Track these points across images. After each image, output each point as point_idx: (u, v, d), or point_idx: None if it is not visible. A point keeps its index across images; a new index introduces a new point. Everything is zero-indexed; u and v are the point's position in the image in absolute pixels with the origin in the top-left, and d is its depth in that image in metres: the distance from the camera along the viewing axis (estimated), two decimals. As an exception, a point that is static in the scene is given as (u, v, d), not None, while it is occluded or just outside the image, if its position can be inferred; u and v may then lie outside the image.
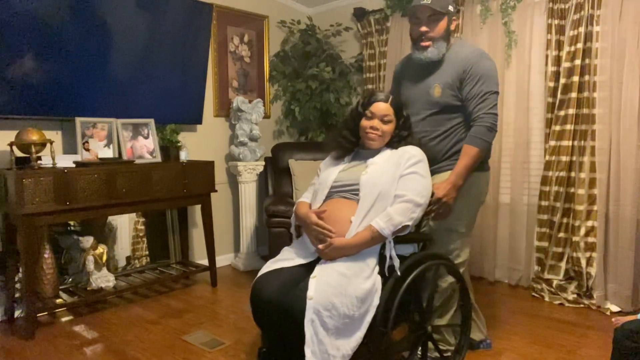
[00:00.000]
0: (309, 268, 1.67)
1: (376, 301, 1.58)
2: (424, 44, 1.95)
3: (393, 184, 1.70)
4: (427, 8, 1.91)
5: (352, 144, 1.89)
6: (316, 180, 1.92)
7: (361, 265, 1.61)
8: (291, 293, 1.56)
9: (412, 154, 1.77)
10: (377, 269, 1.64)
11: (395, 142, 1.83)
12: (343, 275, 1.56)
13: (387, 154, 1.80)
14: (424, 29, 1.93)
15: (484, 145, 1.95)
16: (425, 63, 2.00)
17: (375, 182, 1.69)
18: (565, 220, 3.02)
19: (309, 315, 1.46)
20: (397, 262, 1.63)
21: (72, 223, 3.01)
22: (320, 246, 1.67)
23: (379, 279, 1.62)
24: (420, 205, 1.70)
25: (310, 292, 1.50)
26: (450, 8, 1.96)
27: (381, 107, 1.80)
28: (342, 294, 1.51)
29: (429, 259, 1.79)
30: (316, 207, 1.79)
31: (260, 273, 1.72)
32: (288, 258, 1.75)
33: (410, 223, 1.67)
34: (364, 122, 1.82)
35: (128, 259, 3.39)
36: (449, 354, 2.02)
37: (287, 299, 1.55)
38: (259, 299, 1.63)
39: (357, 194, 1.70)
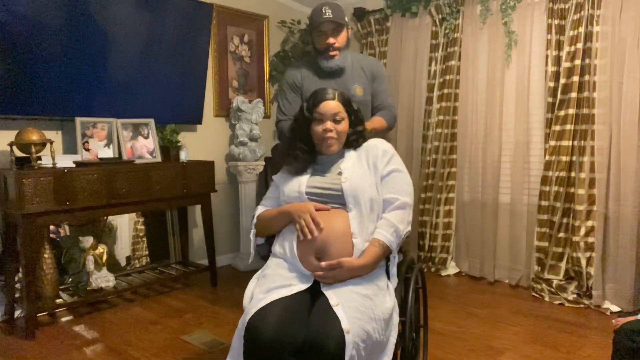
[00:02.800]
0: (307, 291, 1.46)
1: (396, 319, 1.48)
2: (332, 53, 2.18)
3: (376, 188, 1.57)
4: (330, 21, 2.13)
5: (310, 155, 1.68)
6: (272, 194, 1.74)
7: (376, 282, 1.49)
8: (315, 327, 1.32)
9: (383, 149, 1.63)
10: (389, 283, 1.55)
11: (353, 140, 1.67)
12: (367, 297, 1.40)
13: (353, 156, 1.64)
14: (331, 40, 2.15)
15: (391, 124, 2.30)
16: (333, 70, 2.22)
17: (360, 189, 1.53)
18: (565, 220, 3.02)
19: (348, 351, 1.25)
20: (395, 281, 1.58)
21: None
22: (323, 264, 1.45)
23: (393, 293, 1.54)
24: (411, 206, 1.59)
25: (345, 325, 1.28)
26: (346, 19, 2.23)
27: (330, 106, 1.61)
28: (372, 319, 1.36)
29: (412, 264, 1.78)
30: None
31: (252, 306, 1.39)
32: (283, 284, 1.46)
33: (409, 228, 1.58)
34: (316, 127, 1.62)
35: (128, 259, 3.39)
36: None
37: (316, 335, 1.30)
38: (264, 338, 1.30)
39: (341, 203, 1.54)
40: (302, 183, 1.61)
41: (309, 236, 1.47)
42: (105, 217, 3.09)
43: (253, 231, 1.70)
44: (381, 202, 1.57)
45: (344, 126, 1.63)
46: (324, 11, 2.12)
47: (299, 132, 1.69)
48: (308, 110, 1.65)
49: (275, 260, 1.60)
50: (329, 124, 1.60)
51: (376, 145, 1.65)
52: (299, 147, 1.67)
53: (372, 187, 1.55)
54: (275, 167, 1.85)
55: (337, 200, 1.55)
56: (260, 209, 1.72)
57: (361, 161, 1.62)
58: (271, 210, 1.68)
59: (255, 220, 1.69)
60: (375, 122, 2.20)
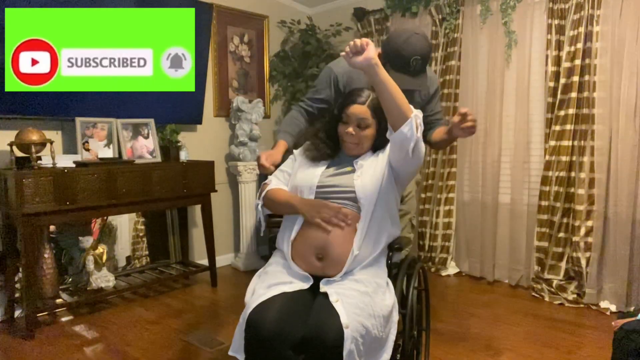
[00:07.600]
0: (307, 289, 1.49)
1: (395, 316, 1.51)
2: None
3: (387, 187, 1.56)
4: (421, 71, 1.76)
5: (333, 151, 1.67)
6: (288, 167, 1.73)
7: (376, 280, 1.50)
8: (315, 322, 1.35)
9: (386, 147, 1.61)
10: (390, 282, 1.56)
11: (378, 144, 1.64)
12: (366, 294, 1.42)
13: (371, 158, 1.61)
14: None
15: None
16: None
17: (372, 190, 1.52)
18: (565, 220, 3.02)
19: (347, 346, 1.28)
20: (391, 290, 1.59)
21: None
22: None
23: (393, 291, 1.56)
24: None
25: (344, 320, 1.31)
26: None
27: (357, 110, 1.56)
28: (371, 315, 1.38)
29: (414, 263, 1.79)
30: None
31: (254, 300, 1.42)
32: (284, 281, 1.48)
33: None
34: (340, 128, 1.61)
35: (128, 259, 3.39)
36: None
37: (315, 330, 1.33)
38: (264, 332, 1.33)
39: (352, 201, 1.53)
40: (316, 175, 1.60)
41: (342, 224, 1.48)
42: (105, 218, 3.09)
43: (260, 202, 1.66)
44: (397, 196, 1.61)
45: (369, 132, 1.59)
46: (413, 63, 1.69)
47: (326, 127, 1.70)
48: (338, 109, 1.64)
49: (277, 257, 1.63)
50: (351, 129, 1.58)
51: (384, 150, 1.63)
52: (324, 141, 1.67)
53: (383, 188, 1.53)
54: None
55: (348, 196, 1.54)
56: (273, 183, 1.68)
57: (377, 164, 1.59)
58: (282, 192, 1.64)
59: (264, 192, 1.66)
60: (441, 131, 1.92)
